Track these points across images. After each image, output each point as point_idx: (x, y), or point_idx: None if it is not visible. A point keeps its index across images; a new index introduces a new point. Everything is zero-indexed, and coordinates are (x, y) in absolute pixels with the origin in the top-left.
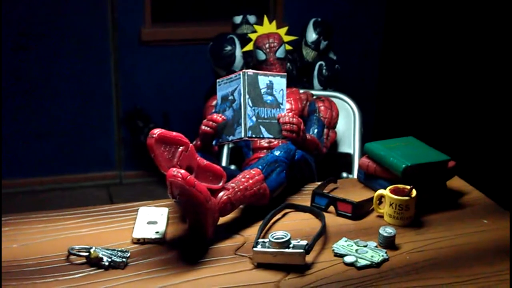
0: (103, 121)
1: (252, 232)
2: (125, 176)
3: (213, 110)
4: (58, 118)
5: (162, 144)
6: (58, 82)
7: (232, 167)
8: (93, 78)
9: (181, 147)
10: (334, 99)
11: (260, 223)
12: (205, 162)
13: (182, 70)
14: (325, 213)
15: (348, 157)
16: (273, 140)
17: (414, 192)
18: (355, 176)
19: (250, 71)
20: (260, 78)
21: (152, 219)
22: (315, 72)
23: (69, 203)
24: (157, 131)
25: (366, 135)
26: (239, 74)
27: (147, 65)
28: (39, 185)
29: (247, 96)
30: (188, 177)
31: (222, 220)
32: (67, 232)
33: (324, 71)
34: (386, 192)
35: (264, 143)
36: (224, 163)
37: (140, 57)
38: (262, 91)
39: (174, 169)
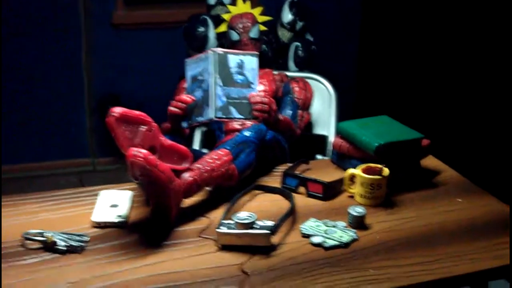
0: (75, 106)
1: (218, 214)
2: (98, 163)
3: (185, 92)
4: (28, 104)
5: (123, 123)
6: (27, 67)
7: (205, 150)
8: (64, 62)
9: (143, 127)
10: (310, 81)
11: (227, 205)
12: (170, 142)
13: (156, 54)
14: (296, 195)
15: (324, 139)
16: (246, 121)
17: (385, 171)
18: None
19: (220, 50)
20: (230, 57)
21: (114, 202)
22: (291, 53)
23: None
24: (118, 109)
25: (346, 117)
26: (208, 53)
27: (119, 50)
28: (8, 173)
29: (216, 76)
30: (150, 156)
31: (187, 202)
32: (24, 217)
33: (300, 52)
34: (357, 171)
35: (236, 125)
36: (196, 147)
37: (112, 41)
38: (233, 70)
39: (135, 148)
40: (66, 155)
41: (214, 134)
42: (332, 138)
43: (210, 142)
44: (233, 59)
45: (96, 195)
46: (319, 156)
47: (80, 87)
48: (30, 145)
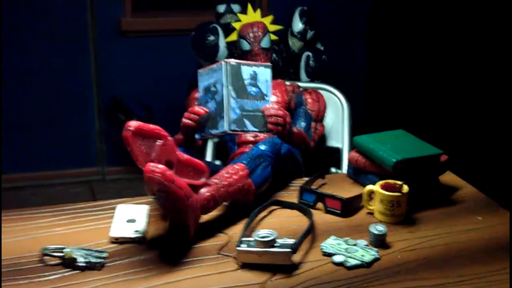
0: (83, 114)
1: (236, 230)
2: (108, 172)
3: (196, 103)
4: (36, 111)
5: (139, 137)
6: (35, 73)
7: (217, 162)
8: (72, 69)
9: (159, 141)
10: (321, 91)
11: (245, 221)
12: (186, 156)
13: (165, 61)
14: (313, 210)
15: (337, 152)
16: (259, 134)
17: (405, 188)
18: (345, 171)
19: (233, 61)
20: (244, 68)
21: (131, 217)
22: (302, 63)
23: (47, 201)
24: (133, 123)
25: (356, 129)
26: (221, 64)
27: (128, 56)
28: (16, 182)
29: (230, 87)
30: (167, 172)
31: (204, 218)
32: (41, 231)
33: (311, 62)
34: (376, 187)
35: (249, 137)
36: (209, 158)
37: (120, 48)
38: (246, 82)
39: (152, 164)
40: (75, 164)
41: (226, 145)
42: (346, 150)
43: (222, 153)
44: (247, 70)
45: (111, 208)
46: (333, 169)
47: (89, 93)
48: (37, 154)
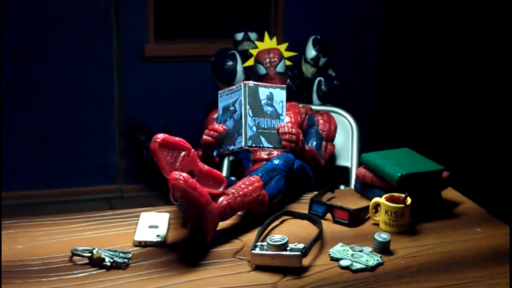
0: (104, 134)
1: (250, 237)
2: (126, 189)
3: (216, 122)
4: (60, 130)
5: (165, 148)
6: (60, 95)
7: (233, 178)
8: (96, 92)
9: (183, 152)
10: (332, 114)
11: (259, 229)
12: (206, 167)
13: (184, 86)
14: (322, 221)
15: (346, 170)
16: (273, 151)
17: (409, 200)
18: (353, 187)
19: (251, 83)
20: (261, 89)
21: (153, 223)
22: (314, 88)
23: None
24: (160, 136)
25: (364, 150)
26: (240, 86)
27: (149, 81)
28: (38, 197)
29: (247, 107)
30: (190, 180)
31: (221, 225)
32: (70, 235)
33: (323, 86)
34: (381, 200)
35: (264, 155)
36: (224, 175)
37: (143, 72)
38: (263, 102)
39: (176, 172)
40: (95, 181)
41: (242, 163)
42: (354, 169)
43: (237, 171)
44: (263, 91)
45: (136, 216)
46: (342, 187)
47: (111, 115)
48: (58, 171)
